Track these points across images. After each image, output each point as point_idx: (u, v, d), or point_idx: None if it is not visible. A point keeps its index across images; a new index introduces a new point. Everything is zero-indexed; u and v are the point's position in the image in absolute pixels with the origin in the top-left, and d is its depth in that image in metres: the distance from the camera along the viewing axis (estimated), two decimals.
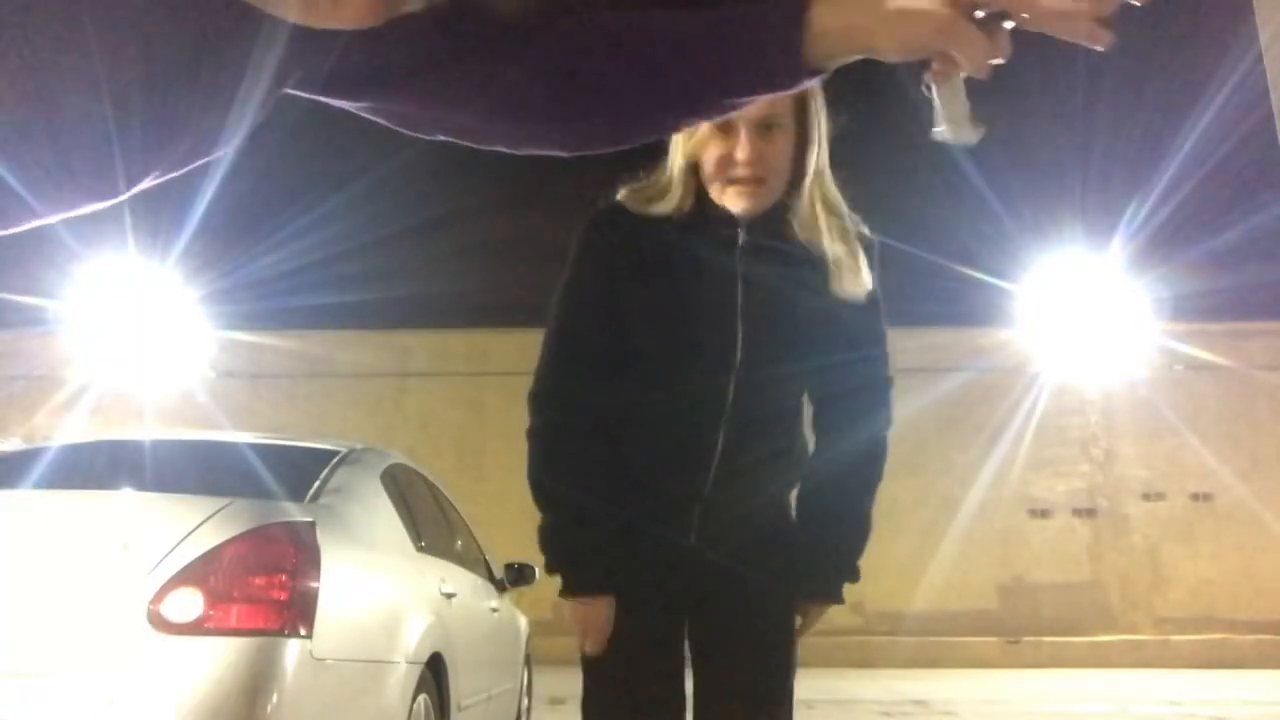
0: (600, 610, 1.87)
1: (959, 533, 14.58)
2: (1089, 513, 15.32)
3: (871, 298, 1.90)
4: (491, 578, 5.43)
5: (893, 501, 15.19)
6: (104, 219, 14.62)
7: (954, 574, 14.42)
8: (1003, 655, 14.02)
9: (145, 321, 14.93)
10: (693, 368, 1.89)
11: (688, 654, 2.02)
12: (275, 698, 2.79)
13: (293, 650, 2.86)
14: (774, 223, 1.85)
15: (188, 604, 2.78)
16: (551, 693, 7.11)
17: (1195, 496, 15.22)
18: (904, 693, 9.73)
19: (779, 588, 1.99)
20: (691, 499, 1.93)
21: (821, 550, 2.00)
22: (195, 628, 2.77)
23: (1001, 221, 14.84)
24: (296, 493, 3.41)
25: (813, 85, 1.91)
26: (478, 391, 15.18)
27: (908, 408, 15.19)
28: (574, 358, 1.89)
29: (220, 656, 2.77)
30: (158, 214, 14.94)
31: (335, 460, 3.84)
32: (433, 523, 4.63)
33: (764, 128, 1.77)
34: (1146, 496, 15.26)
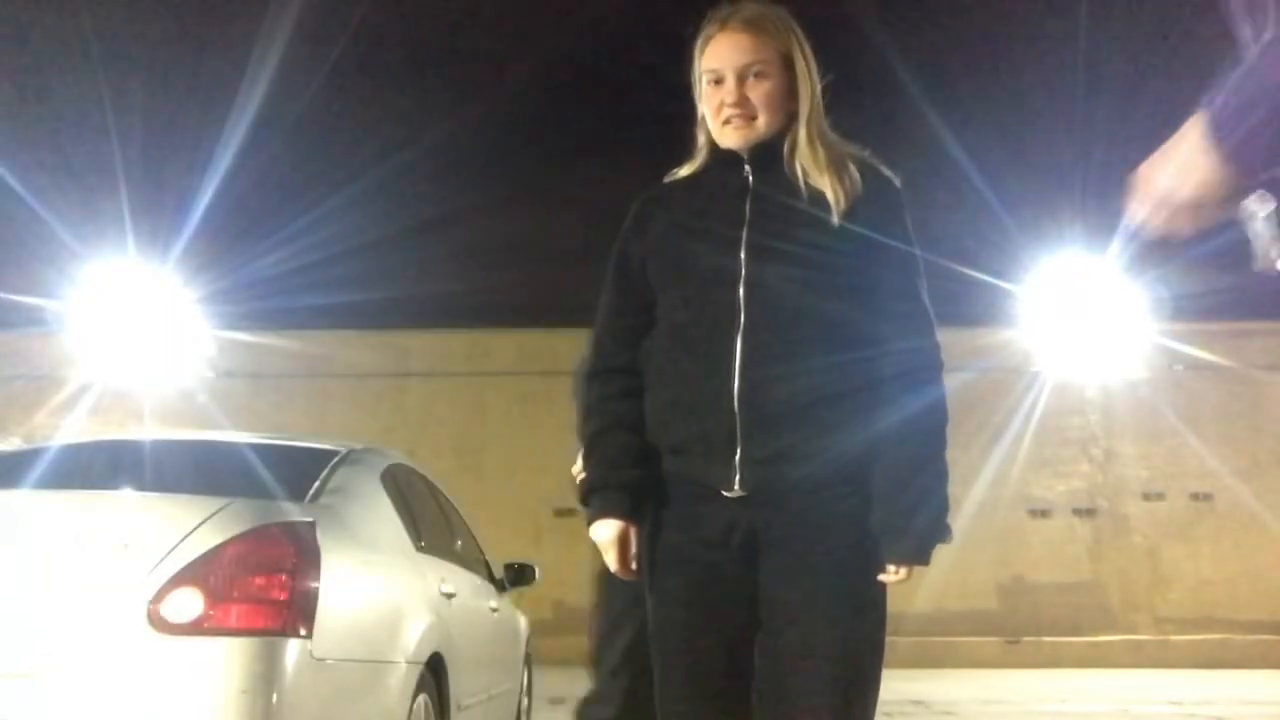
0: (602, 531, 2.06)
1: (959, 533, 14.44)
2: (1089, 513, 15.32)
3: (882, 235, 2.00)
4: (491, 578, 5.42)
5: None
6: (104, 219, 14.63)
7: (954, 574, 14.38)
8: (1003, 655, 14.02)
9: (145, 322, 14.92)
10: (700, 301, 2.00)
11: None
12: (275, 698, 2.79)
13: (293, 650, 2.86)
14: (775, 157, 2.04)
15: (188, 604, 2.78)
16: (551, 693, 7.10)
17: (1195, 496, 15.21)
18: (904, 693, 9.72)
19: (842, 539, 1.94)
20: (724, 448, 1.94)
21: (899, 509, 1.95)
22: (195, 628, 2.77)
23: (1002, 222, 14.84)
24: (296, 493, 3.41)
25: (795, 35, 2.02)
26: (478, 391, 15.18)
27: None
28: (603, 324, 2.15)
29: (220, 656, 2.77)
30: (158, 214, 14.95)
31: (335, 460, 3.84)
32: (433, 523, 4.63)
33: (746, 75, 2.02)
34: (1146, 496, 15.25)
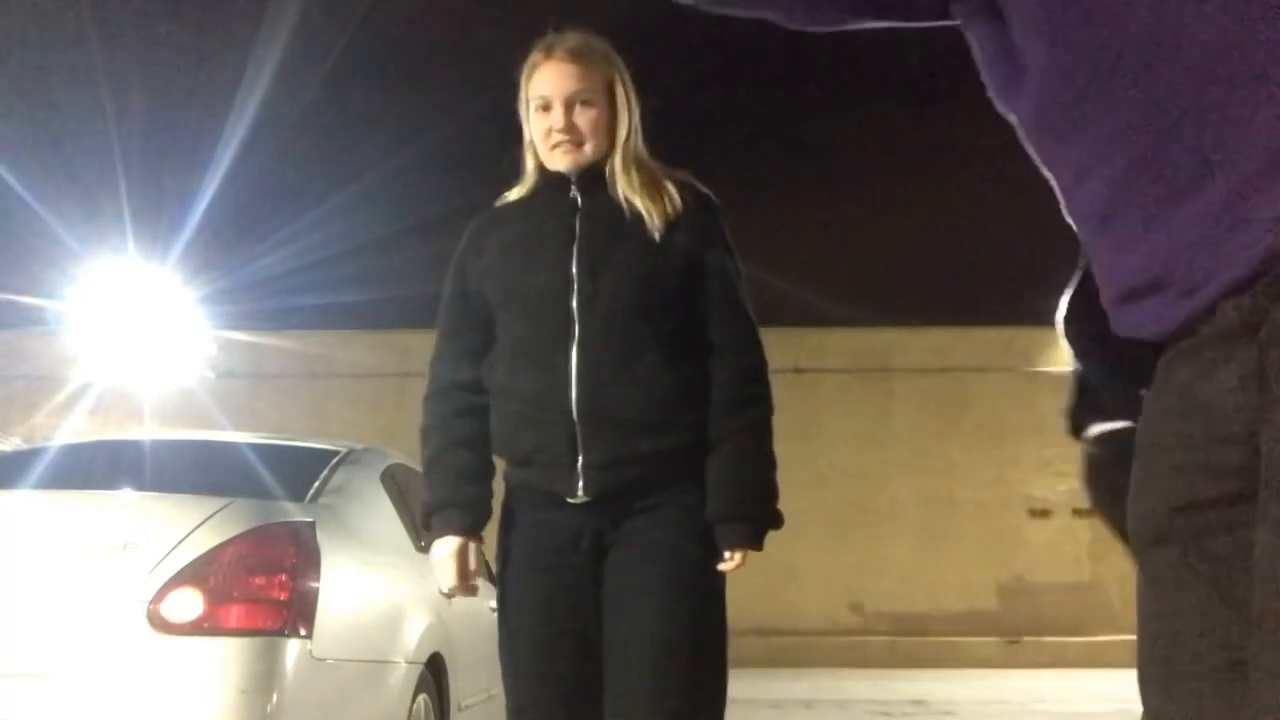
0: (441, 549, 2.14)
1: (959, 533, 14.57)
2: (1089, 513, 15.28)
3: (703, 244, 2.12)
4: (491, 578, 5.42)
5: (893, 501, 15.19)
6: (104, 219, 14.63)
7: (954, 574, 14.41)
8: (1003, 655, 14.02)
9: (145, 322, 14.92)
10: (537, 315, 2.09)
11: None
12: (275, 698, 2.79)
13: (293, 650, 2.86)
14: (600, 180, 2.14)
15: (188, 604, 2.78)
16: None
17: None
18: (904, 693, 9.73)
19: (681, 532, 2.05)
20: (566, 455, 2.03)
21: (730, 496, 2.06)
22: (195, 628, 2.77)
23: (1001, 221, 14.87)
24: (296, 493, 3.42)
25: (617, 66, 2.14)
26: None
27: (908, 408, 15.22)
28: (442, 343, 2.24)
29: (220, 656, 2.77)
30: (158, 214, 14.95)
31: (335, 460, 3.84)
32: None
33: (574, 103, 2.10)
34: None
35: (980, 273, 14.75)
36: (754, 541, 2.07)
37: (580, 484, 2.04)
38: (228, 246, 15.44)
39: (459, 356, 2.20)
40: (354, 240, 15.24)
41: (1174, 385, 0.93)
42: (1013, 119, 1.07)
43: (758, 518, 2.08)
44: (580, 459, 2.03)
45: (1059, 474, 15.46)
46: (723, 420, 2.08)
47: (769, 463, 2.11)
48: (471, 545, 2.16)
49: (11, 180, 13.00)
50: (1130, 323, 0.98)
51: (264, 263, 14.65)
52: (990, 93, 1.10)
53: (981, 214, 14.98)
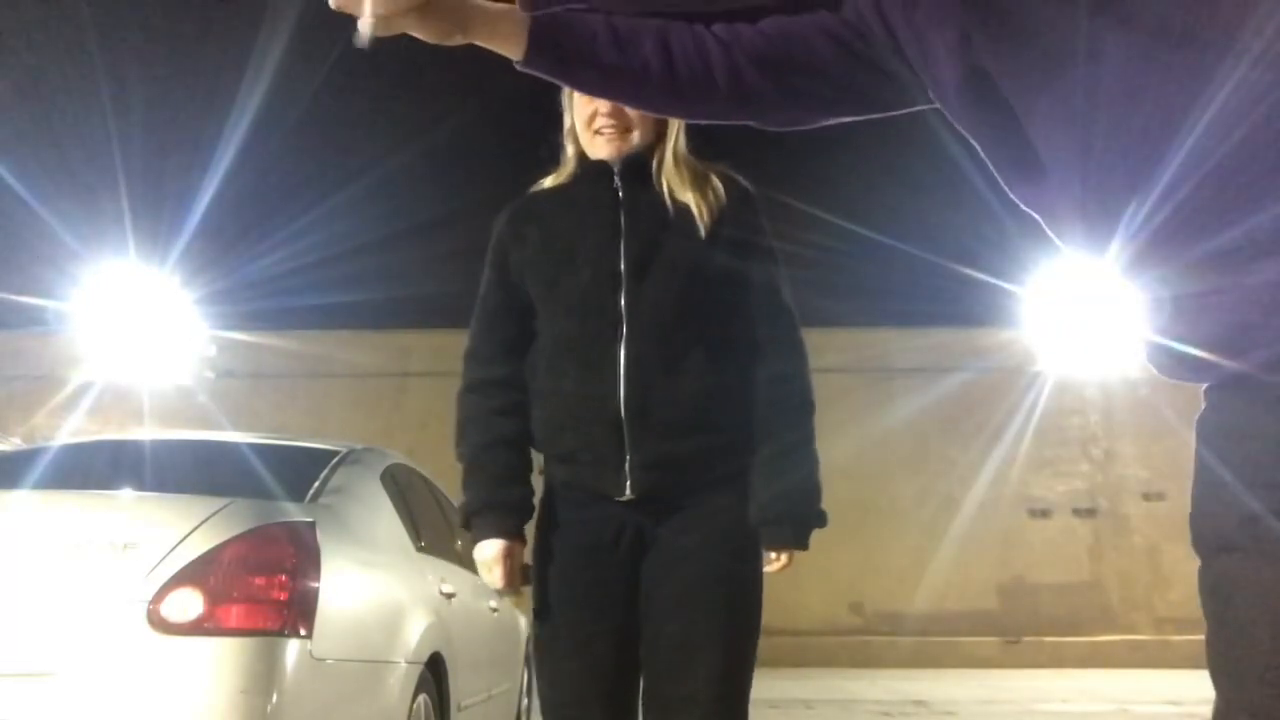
0: (486, 550, 2.08)
1: (959, 533, 14.56)
2: (1089, 513, 15.31)
3: (747, 240, 2.09)
4: None
5: (893, 501, 15.19)
6: (104, 220, 14.62)
7: (954, 574, 14.41)
8: (1003, 655, 14.02)
9: (145, 322, 14.92)
10: (583, 311, 2.04)
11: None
12: (275, 698, 2.79)
13: (292, 650, 2.86)
14: (644, 170, 2.10)
15: (187, 604, 2.78)
16: None
17: None
18: (904, 693, 9.73)
19: (723, 532, 2.03)
20: (613, 454, 2.01)
21: (775, 497, 2.04)
22: (195, 628, 2.77)
23: (1002, 221, 14.85)
24: (296, 493, 3.42)
25: None
26: None
27: (908, 408, 15.21)
28: (481, 335, 2.17)
29: (220, 656, 2.77)
30: (158, 215, 14.95)
31: (335, 460, 3.84)
32: (433, 523, 4.63)
33: None
34: (1146, 496, 15.25)
35: (979, 273, 14.73)
36: (800, 543, 2.05)
37: (628, 483, 2.01)
38: (227, 246, 15.45)
39: (499, 350, 2.15)
40: (353, 240, 15.24)
41: (1235, 408, 1.00)
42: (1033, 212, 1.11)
43: (803, 519, 2.06)
44: (628, 458, 2.00)
45: (1059, 474, 15.47)
46: (767, 421, 2.06)
47: (813, 462, 2.09)
48: (517, 546, 2.11)
49: (11, 180, 12.99)
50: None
51: (263, 263, 14.65)
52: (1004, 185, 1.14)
53: (978, 214, 14.96)
